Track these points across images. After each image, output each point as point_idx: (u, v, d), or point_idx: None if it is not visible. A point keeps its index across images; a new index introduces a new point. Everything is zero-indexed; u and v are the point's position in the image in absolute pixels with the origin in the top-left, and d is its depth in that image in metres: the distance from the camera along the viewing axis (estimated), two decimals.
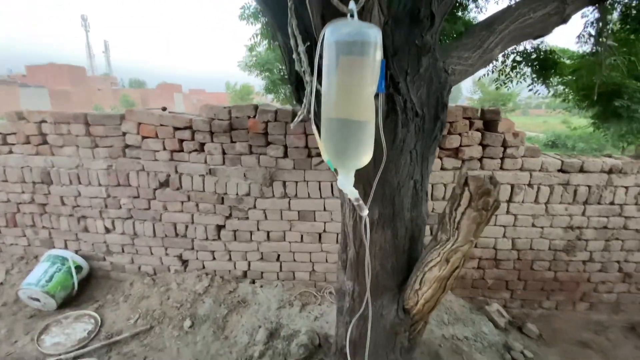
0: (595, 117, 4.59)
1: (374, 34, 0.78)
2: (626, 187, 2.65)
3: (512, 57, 3.18)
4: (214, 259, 2.96)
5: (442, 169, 2.64)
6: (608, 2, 2.43)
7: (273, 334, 2.54)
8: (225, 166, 2.72)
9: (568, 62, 3.26)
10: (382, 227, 1.45)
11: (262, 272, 2.99)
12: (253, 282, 2.99)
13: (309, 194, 2.73)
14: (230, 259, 2.95)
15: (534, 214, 2.70)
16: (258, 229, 2.85)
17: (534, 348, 2.61)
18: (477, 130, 2.56)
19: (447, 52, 1.59)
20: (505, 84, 3.37)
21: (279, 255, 2.94)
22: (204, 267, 2.99)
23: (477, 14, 3.19)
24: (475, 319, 2.77)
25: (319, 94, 0.90)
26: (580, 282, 2.88)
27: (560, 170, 2.62)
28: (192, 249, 2.94)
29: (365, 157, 0.89)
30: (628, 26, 2.58)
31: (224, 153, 2.70)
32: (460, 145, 2.56)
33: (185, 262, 3.01)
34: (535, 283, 2.89)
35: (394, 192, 1.41)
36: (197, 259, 2.97)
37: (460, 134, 2.54)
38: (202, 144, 2.69)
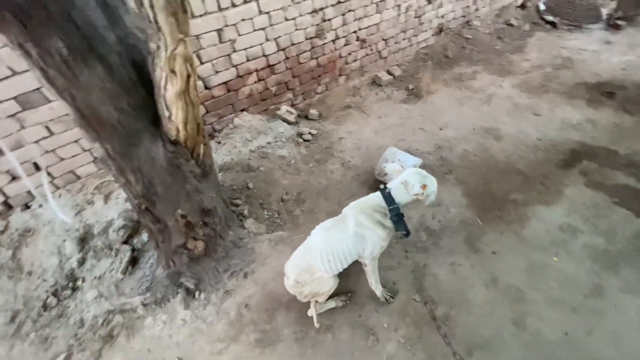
0: None
1: None
2: None
3: None
4: None
5: None
6: None
7: (85, 238, 2.27)
8: None
9: None
10: (83, 63, 1.14)
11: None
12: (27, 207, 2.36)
13: None
14: None
15: (283, 7, 2.76)
16: None
17: (317, 126, 3.26)
18: None
19: None
20: None
21: None
22: None
23: None
24: (272, 125, 3.13)
25: None
26: (336, 60, 3.46)
27: None
28: None
29: None
30: None
31: None
32: None
33: None
34: (306, 75, 3.31)
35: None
36: None
37: None
38: None
